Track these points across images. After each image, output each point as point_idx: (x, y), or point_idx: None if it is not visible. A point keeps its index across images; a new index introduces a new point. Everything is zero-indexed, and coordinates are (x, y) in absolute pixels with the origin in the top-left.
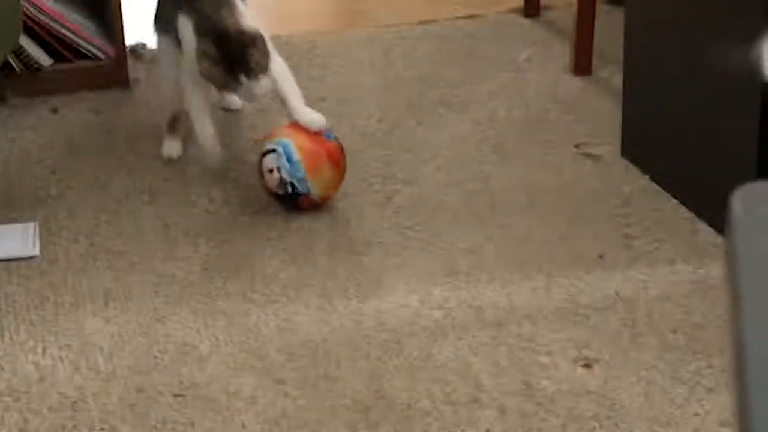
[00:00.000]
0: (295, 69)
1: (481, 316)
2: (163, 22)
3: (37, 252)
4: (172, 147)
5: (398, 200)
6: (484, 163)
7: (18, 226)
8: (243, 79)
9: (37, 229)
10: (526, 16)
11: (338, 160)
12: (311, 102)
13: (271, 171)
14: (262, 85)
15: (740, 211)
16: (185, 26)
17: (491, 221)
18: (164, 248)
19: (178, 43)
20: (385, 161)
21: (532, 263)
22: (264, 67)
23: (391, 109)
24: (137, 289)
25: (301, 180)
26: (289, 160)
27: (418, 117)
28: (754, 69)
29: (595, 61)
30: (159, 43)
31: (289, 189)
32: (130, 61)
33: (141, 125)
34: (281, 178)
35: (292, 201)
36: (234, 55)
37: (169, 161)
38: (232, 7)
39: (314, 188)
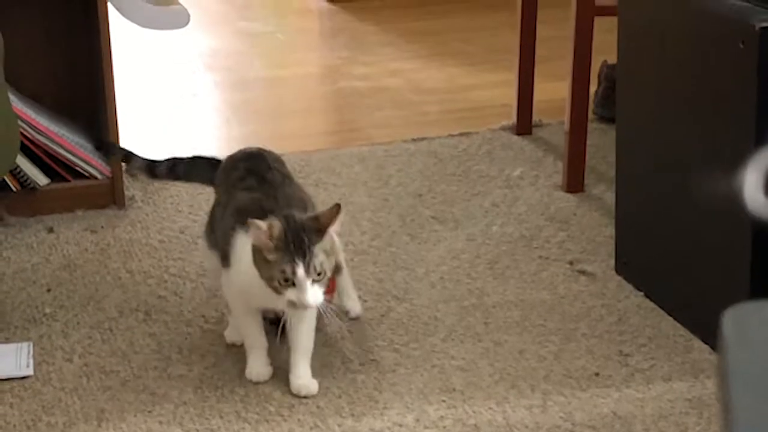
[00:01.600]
0: None
1: None
2: (214, 236)
3: (31, 372)
4: (261, 372)
5: (392, 317)
6: (478, 280)
7: (12, 345)
8: (300, 270)
9: (32, 349)
10: (518, 133)
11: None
12: None
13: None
14: (317, 293)
15: (732, 330)
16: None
17: (486, 338)
18: (158, 367)
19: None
20: (378, 278)
21: (527, 380)
22: (325, 275)
23: (384, 225)
24: (131, 409)
25: None
26: None
27: (412, 233)
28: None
29: (587, 179)
30: (212, 258)
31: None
32: (126, 180)
33: (136, 244)
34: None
35: None
36: (300, 238)
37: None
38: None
39: None
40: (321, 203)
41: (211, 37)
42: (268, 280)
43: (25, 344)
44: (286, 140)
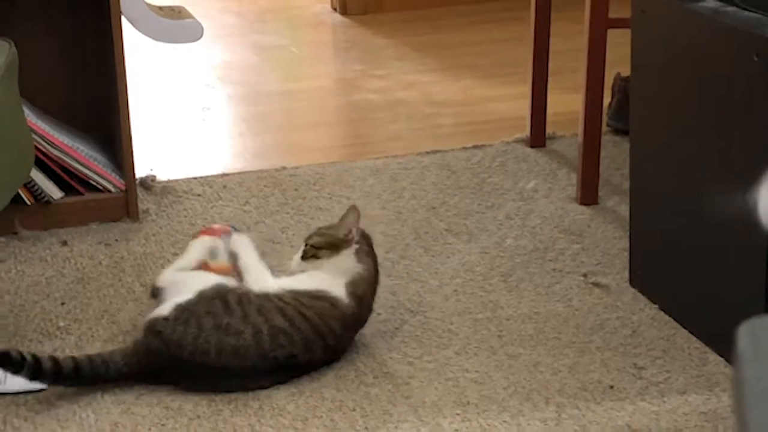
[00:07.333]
0: (302, 199)
1: None
2: None
3: (45, 385)
4: None
5: (406, 330)
6: (492, 292)
7: None
8: None
9: None
10: (532, 146)
11: None
12: None
13: None
14: None
15: (747, 343)
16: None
17: (500, 351)
18: None
19: None
20: (392, 291)
21: (541, 393)
22: None
23: (398, 238)
24: (145, 423)
25: None
26: None
27: (426, 246)
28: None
29: (601, 191)
30: None
31: None
32: (139, 193)
33: (150, 257)
34: None
35: None
36: None
37: None
38: None
39: None
40: (335, 216)
41: (225, 51)
42: None
43: None
44: (299, 153)
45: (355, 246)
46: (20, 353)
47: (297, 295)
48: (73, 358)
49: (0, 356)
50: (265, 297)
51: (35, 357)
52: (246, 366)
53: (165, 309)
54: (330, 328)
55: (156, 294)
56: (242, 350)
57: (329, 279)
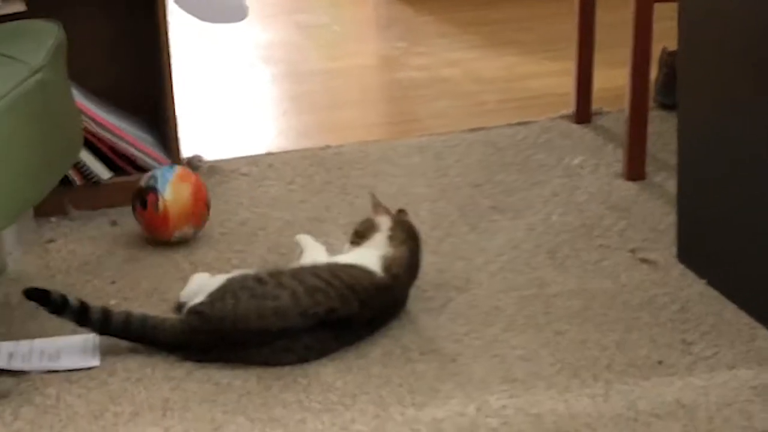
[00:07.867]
0: (346, 178)
1: (539, 424)
2: None
3: (97, 362)
4: None
5: (452, 307)
6: (539, 269)
7: (79, 337)
8: None
9: (98, 340)
10: (578, 122)
11: (200, 193)
12: (362, 210)
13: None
14: None
15: None
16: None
17: (547, 327)
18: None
19: None
20: (438, 268)
21: (589, 370)
22: None
23: (443, 216)
24: (195, 399)
25: (165, 182)
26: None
27: (471, 223)
28: None
29: (648, 166)
30: None
31: (151, 182)
32: None
33: (198, 236)
34: (152, 176)
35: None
36: None
37: None
38: None
39: (168, 192)
40: (380, 194)
41: (268, 30)
42: None
43: (91, 336)
44: (343, 131)
45: (388, 232)
46: (64, 297)
47: (330, 264)
48: (127, 312)
49: (39, 293)
50: (299, 267)
51: (83, 303)
52: (288, 327)
53: (199, 298)
54: (363, 286)
55: (181, 308)
56: (282, 310)
57: (364, 256)
